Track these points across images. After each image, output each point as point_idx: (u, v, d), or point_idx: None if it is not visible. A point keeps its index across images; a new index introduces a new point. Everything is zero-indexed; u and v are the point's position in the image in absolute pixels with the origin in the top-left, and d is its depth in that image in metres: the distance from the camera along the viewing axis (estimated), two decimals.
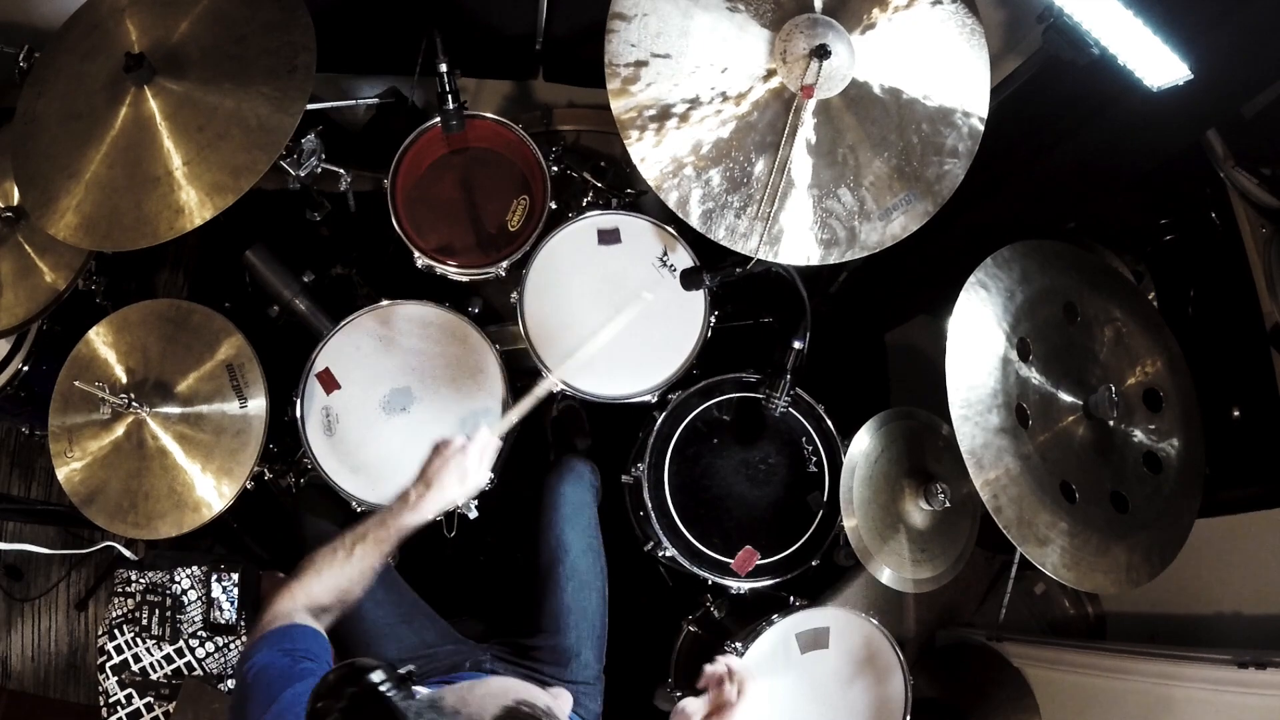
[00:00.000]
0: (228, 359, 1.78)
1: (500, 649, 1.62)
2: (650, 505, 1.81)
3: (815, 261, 1.51)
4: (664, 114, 1.47)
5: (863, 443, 1.82)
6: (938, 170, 1.50)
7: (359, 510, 1.75)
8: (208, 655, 1.73)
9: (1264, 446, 1.93)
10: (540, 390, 1.54)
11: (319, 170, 1.93)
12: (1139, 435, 1.70)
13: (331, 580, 1.27)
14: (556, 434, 2.30)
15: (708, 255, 1.79)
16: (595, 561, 1.69)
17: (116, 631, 1.75)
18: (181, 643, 1.74)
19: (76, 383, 1.68)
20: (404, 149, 1.91)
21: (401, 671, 0.86)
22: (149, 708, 1.72)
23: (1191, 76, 1.36)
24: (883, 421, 1.84)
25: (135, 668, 1.73)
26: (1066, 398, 1.65)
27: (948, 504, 1.75)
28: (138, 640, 1.74)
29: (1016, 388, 1.60)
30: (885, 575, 1.79)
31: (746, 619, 1.86)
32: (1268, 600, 1.85)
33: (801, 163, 1.48)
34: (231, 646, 1.74)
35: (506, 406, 1.78)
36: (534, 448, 2.28)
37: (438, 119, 1.88)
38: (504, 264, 1.88)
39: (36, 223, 1.61)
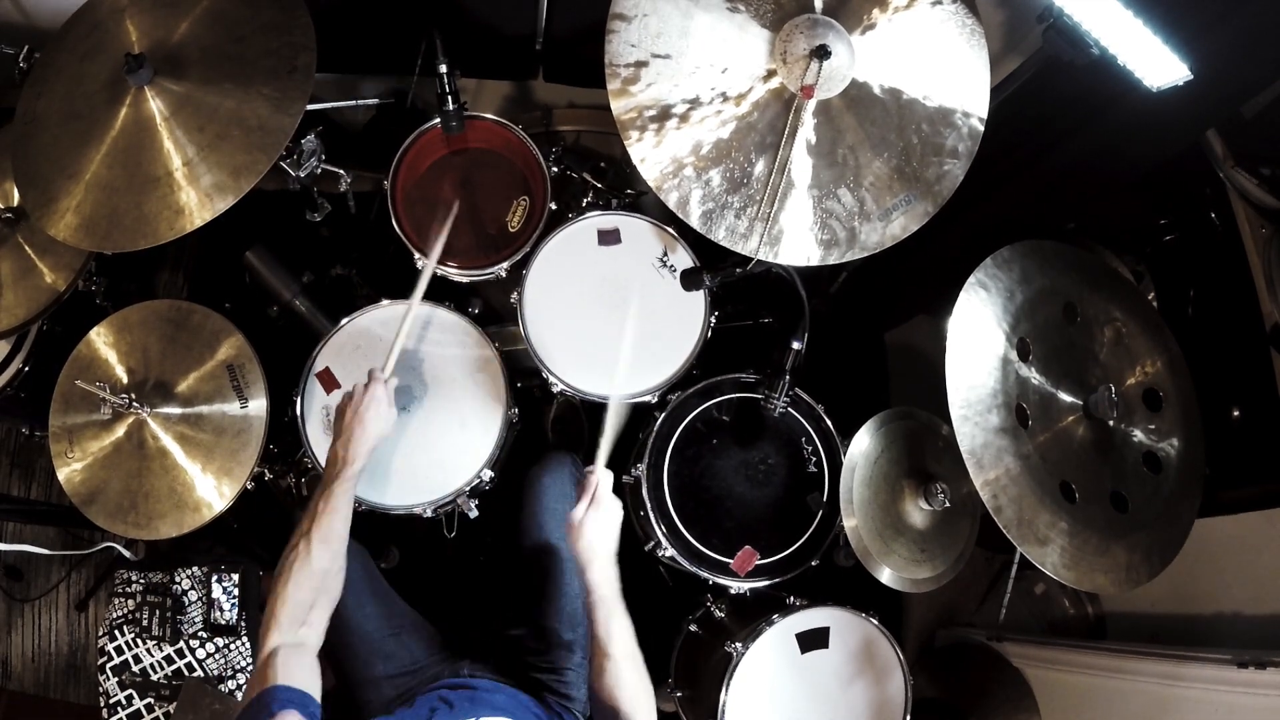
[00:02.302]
0: (228, 359, 1.78)
1: (477, 668, 1.59)
2: (650, 505, 1.81)
3: (815, 262, 1.52)
4: (664, 114, 1.47)
5: (862, 443, 1.82)
6: (938, 171, 1.50)
7: (359, 510, 1.75)
8: (208, 656, 1.73)
9: (1264, 446, 1.94)
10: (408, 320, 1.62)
11: (319, 171, 1.93)
12: (1139, 435, 1.70)
13: (308, 580, 1.29)
14: (557, 434, 2.30)
15: (708, 256, 1.79)
16: None
17: (117, 632, 1.75)
18: (182, 643, 1.74)
19: (77, 383, 1.69)
20: (404, 150, 1.91)
21: None
22: (149, 708, 1.72)
23: (1191, 77, 1.36)
24: (882, 422, 1.84)
25: (136, 668, 1.73)
26: (1066, 398, 1.65)
27: (947, 504, 1.75)
28: (138, 641, 1.74)
29: (1016, 388, 1.60)
30: (885, 575, 1.79)
31: (747, 619, 1.86)
32: (1268, 600, 1.85)
33: (801, 163, 1.48)
34: (232, 647, 1.74)
35: (508, 406, 1.78)
36: (535, 448, 2.28)
37: (438, 119, 1.88)
38: (504, 265, 1.88)
39: (36, 223, 1.61)
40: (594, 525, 1.37)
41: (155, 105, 1.57)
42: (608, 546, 1.38)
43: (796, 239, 1.50)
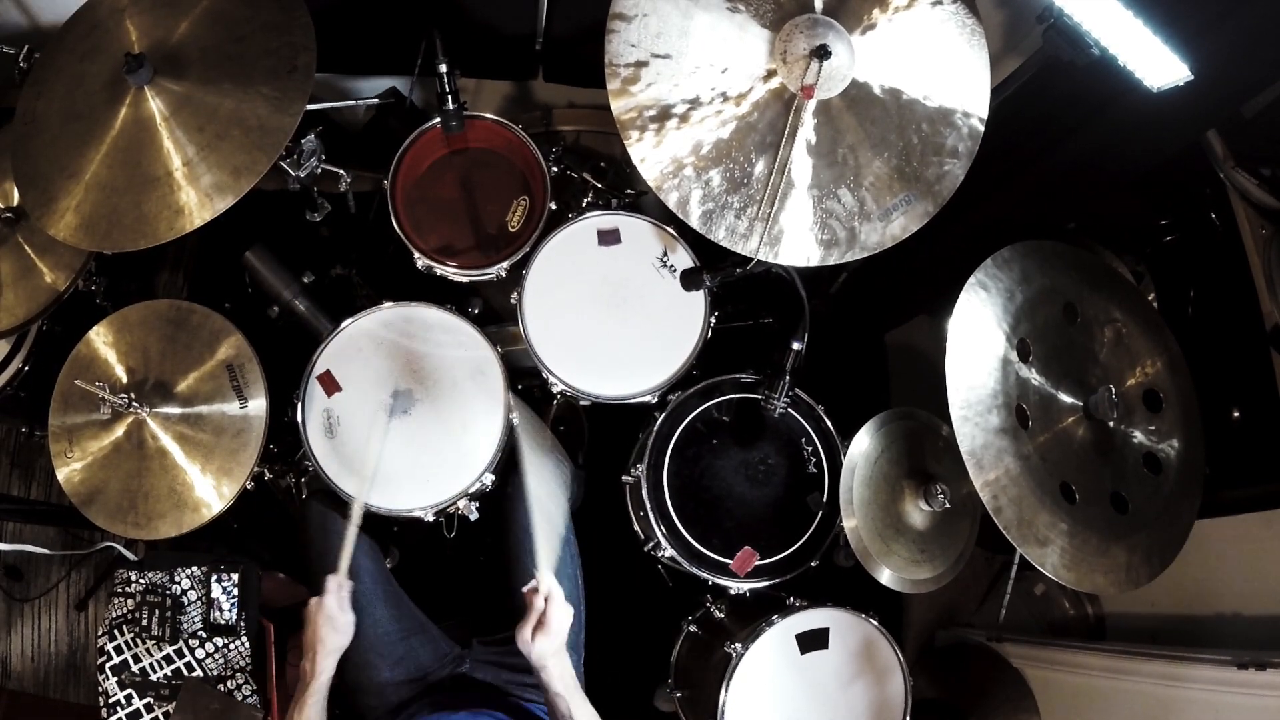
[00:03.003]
0: (228, 359, 1.78)
1: (483, 651, 1.64)
2: (650, 506, 1.81)
3: (815, 262, 1.51)
4: (664, 114, 1.46)
5: (862, 443, 1.82)
6: (938, 171, 1.50)
7: None
8: (207, 656, 1.73)
9: (1264, 446, 1.93)
10: (355, 523, 1.56)
11: (319, 171, 1.93)
12: (1139, 436, 1.70)
13: None
14: (557, 434, 2.30)
15: (708, 256, 1.79)
16: (565, 549, 1.70)
17: (116, 632, 1.74)
18: (181, 643, 1.74)
19: (77, 382, 1.68)
20: (404, 149, 1.91)
21: None
22: (149, 708, 1.72)
23: (1191, 77, 1.36)
24: (882, 422, 1.84)
25: (135, 668, 1.73)
26: (1066, 398, 1.65)
27: (947, 504, 1.75)
28: (137, 641, 1.74)
29: (1016, 388, 1.60)
30: (885, 576, 1.79)
31: (747, 619, 1.86)
32: (1268, 600, 1.85)
33: (801, 163, 1.48)
34: (231, 647, 1.74)
35: (508, 409, 1.78)
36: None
37: (437, 119, 1.88)
38: (504, 265, 1.88)
39: (36, 223, 1.61)
40: (544, 643, 1.34)
41: (155, 105, 1.57)
42: (560, 648, 1.36)
43: (796, 239, 1.50)
